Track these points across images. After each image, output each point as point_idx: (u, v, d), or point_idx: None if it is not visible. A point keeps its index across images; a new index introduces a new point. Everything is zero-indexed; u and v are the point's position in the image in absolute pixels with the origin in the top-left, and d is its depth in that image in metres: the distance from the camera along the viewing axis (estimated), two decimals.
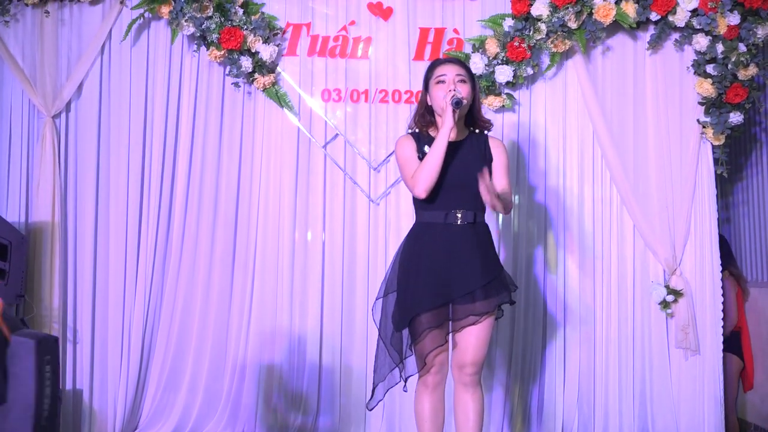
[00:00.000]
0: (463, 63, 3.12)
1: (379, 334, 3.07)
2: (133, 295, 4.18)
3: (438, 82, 3.01)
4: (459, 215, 2.95)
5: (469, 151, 3.04)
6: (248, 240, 4.28)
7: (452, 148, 2.96)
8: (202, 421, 4.17)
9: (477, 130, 3.12)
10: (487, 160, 3.06)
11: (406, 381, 3.01)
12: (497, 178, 3.06)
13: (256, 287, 4.24)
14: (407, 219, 4.19)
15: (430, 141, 3.00)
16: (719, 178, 4.31)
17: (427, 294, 2.90)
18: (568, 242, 4.30)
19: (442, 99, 2.96)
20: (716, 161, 4.25)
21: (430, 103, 3.07)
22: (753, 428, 4.27)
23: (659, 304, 4.20)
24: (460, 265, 2.92)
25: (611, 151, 4.23)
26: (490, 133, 3.17)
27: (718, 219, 4.28)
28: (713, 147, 4.25)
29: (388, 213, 4.30)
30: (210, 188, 4.28)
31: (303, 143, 4.31)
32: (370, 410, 3.20)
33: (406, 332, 2.97)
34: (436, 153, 2.91)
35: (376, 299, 3.14)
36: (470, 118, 3.11)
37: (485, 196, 2.86)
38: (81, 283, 4.20)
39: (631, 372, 4.21)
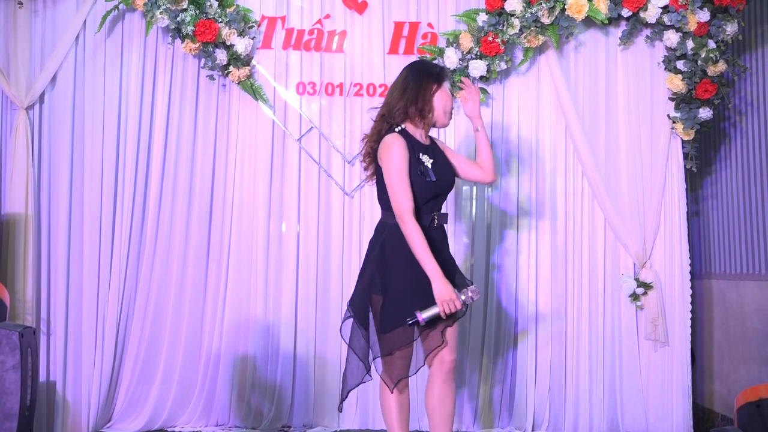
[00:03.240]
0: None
1: (349, 344, 3.00)
2: (107, 287, 4.18)
3: (445, 94, 3.01)
4: (436, 219, 2.97)
5: (440, 156, 3.06)
6: (223, 232, 4.30)
7: (431, 153, 2.99)
8: (176, 412, 4.19)
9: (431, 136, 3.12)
10: (452, 165, 3.11)
11: (395, 384, 2.97)
12: (460, 159, 3.15)
13: (230, 279, 4.26)
14: (381, 212, 4.24)
15: (416, 144, 2.94)
16: (689, 173, 4.38)
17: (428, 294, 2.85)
18: (539, 235, 4.35)
19: (443, 112, 2.98)
20: (686, 156, 4.32)
21: (421, 106, 2.96)
22: (720, 418, 4.35)
23: (629, 296, 4.27)
24: (445, 265, 2.92)
25: (583, 145, 4.28)
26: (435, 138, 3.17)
27: (687, 212, 4.35)
28: (683, 142, 4.32)
29: (363, 206, 4.34)
30: (184, 180, 4.28)
31: (278, 136, 4.33)
32: (341, 412, 3.25)
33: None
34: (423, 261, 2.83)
35: (352, 316, 3.00)
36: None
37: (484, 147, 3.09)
38: (55, 275, 4.18)
39: (601, 364, 4.27)
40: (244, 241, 4.28)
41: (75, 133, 4.24)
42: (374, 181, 3.06)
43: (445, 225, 3.03)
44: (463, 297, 2.83)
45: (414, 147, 2.91)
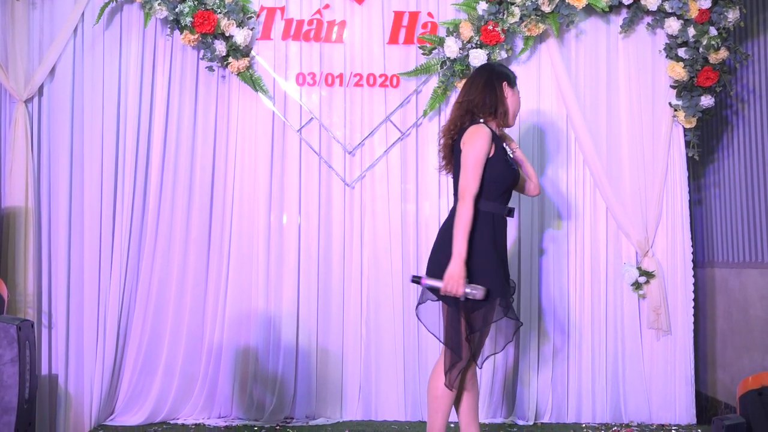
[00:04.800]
0: None
1: (454, 311, 2.96)
2: (108, 279, 4.17)
3: (519, 96, 3.20)
4: (509, 211, 3.09)
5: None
6: (223, 223, 4.30)
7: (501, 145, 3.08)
8: (178, 405, 4.19)
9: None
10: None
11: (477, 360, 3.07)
12: None
13: (231, 270, 4.26)
14: (382, 202, 4.29)
15: (499, 139, 3.08)
16: (691, 161, 4.37)
17: (499, 282, 2.96)
18: (541, 224, 4.34)
19: (514, 112, 3.14)
20: (688, 144, 4.31)
21: (500, 103, 3.08)
22: (723, 407, 4.35)
23: (631, 285, 4.26)
24: (501, 255, 3.05)
25: (584, 133, 4.27)
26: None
27: (689, 201, 4.34)
28: (685, 130, 4.31)
29: (363, 196, 4.34)
30: (185, 172, 4.27)
31: (278, 127, 4.32)
32: (480, 368, 3.16)
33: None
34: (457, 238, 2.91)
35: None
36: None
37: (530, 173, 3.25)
38: (56, 268, 4.17)
39: (604, 353, 4.27)
40: (245, 232, 4.28)
41: (74, 126, 4.23)
42: (449, 172, 3.15)
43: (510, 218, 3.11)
44: (467, 289, 2.85)
45: (497, 138, 3.05)
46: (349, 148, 4.32)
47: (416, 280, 2.96)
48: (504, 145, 3.07)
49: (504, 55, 4.22)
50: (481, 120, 3.04)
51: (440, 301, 2.97)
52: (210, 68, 4.23)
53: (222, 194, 4.30)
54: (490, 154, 2.96)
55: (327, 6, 4.33)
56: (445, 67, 4.23)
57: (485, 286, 2.86)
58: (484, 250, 2.93)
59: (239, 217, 4.29)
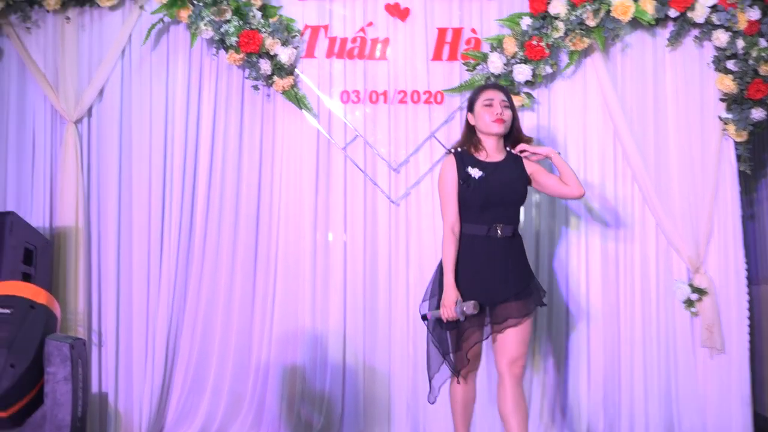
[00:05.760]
0: (506, 89, 3.45)
1: (430, 332, 3.31)
2: (157, 298, 4.20)
3: (485, 105, 3.31)
4: (499, 230, 3.23)
5: (508, 171, 3.31)
6: (270, 242, 4.30)
7: (493, 168, 3.28)
8: (226, 423, 4.18)
9: (513, 151, 3.38)
10: (524, 179, 3.35)
11: (458, 374, 3.29)
12: (547, 177, 3.39)
13: (278, 289, 4.25)
14: (428, 219, 4.25)
15: (473, 162, 3.28)
16: (742, 175, 4.28)
17: (470, 299, 3.16)
18: (590, 241, 4.28)
19: (489, 122, 3.28)
20: (739, 158, 4.22)
21: (473, 123, 3.35)
22: None
23: (683, 302, 4.18)
24: (499, 273, 3.22)
25: (632, 149, 4.21)
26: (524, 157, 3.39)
27: (742, 216, 4.25)
28: (735, 143, 4.23)
29: (409, 214, 4.31)
30: (231, 191, 4.29)
31: (323, 145, 4.32)
32: (432, 404, 3.40)
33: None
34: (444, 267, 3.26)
35: (423, 301, 3.42)
36: (509, 138, 3.40)
37: (566, 175, 3.33)
38: (105, 287, 4.22)
39: (656, 371, 4.19)
40: (291, 250, 4.27)
41: (123, 146, 4.29)
42: None
43: (508, 236, 3.25)
44: (460, 309, 3.13)
45: (464, 162, 3.26)
46: (394, 165, 4.30)
47: (424, 317, 3.30)
48: (467, 168, 3.24)
49: (548, 70, 4.19)
50: (452, 151, 3.34)
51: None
52: (255, 87, 4.25)
53: (268, 213, 4.30)
54: (458, 181, 3.22)
55: (370, 24, 4.33)
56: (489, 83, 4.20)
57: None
58: (461, 268, 3.20)
59: (285, 235, 4.28)
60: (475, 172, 3.23)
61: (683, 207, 4.22)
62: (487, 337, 3.24)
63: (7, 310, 3.16)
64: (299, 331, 4.22)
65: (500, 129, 3.30)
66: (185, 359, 4.21)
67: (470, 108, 3.37)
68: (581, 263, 4.26)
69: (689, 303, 4.16)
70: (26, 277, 3.84)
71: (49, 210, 4.24)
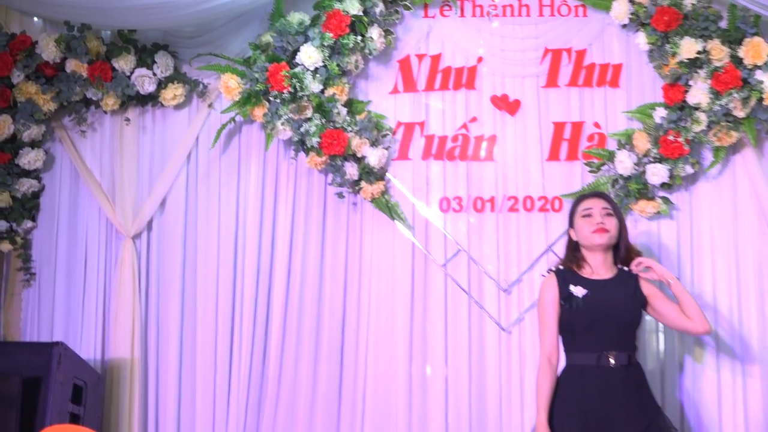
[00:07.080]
0: (608, 196, 3.35)
1: None
2: None
3: (584, 216, 3.19)
4: (612, 357, 3.03)
5: (618, 289, 3.14)
6: (356, 375, 3.94)
7: (601, 286, 3.13)
8: None
9: (626, 269, 3.21)
10: (637, 299, 3.15)
11: None
12: (666, 305, 3.16)
13: (366, 430, 3.86)
14: None
15: (576, 280, 3.14)
16: None
17: None
18: (747, 379, 3.75)
19: (588, 234, 3.15)
20: None
21: (575, 239, 3.24)
22: None
23: None
24: (615, 409, 2.98)
25: None
26: (640, 275, 3.21)
27: None
28: None
29: (522, 343, 3.87)
30: (311, 314, 3.97)
31: (419, 261, 3.98)
32: None
33: None
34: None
35: None
36: (618, 253, 3.23)
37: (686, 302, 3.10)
38: (163, 429, 3.94)
39: None
40: (382, 386, 3.90)
41: (186, 264, 4.07)
42: None
43: (623, 364, 3.02)
44: None
45: (566, 281, 3.13)
46: (504, 285, 3.90)
47: None
48: (569, 287, 3.10)
49: (689, 170, 3.77)
50: (553, 269, 3.21)
51: None
52: (340, 194, 3.94)
53: (354, 341, 3.95)
54: (560, 302, 3.09)
55: (474, 119, 4.00)
56: (617, 186, 3.82)
57: None
58: (565, 411, 3.00)
59: (374, 367, 3.92)
60: (578, 291, 3.09)
61: None
62: None
63: None
64: None
65: (603, 240, 3.13)
66: None
67: (570, 222, 3.27)
68: (737, 405, 3.70)
69: None
70: (74, 418, 3.58)
71: (101, 339, 4.02)
